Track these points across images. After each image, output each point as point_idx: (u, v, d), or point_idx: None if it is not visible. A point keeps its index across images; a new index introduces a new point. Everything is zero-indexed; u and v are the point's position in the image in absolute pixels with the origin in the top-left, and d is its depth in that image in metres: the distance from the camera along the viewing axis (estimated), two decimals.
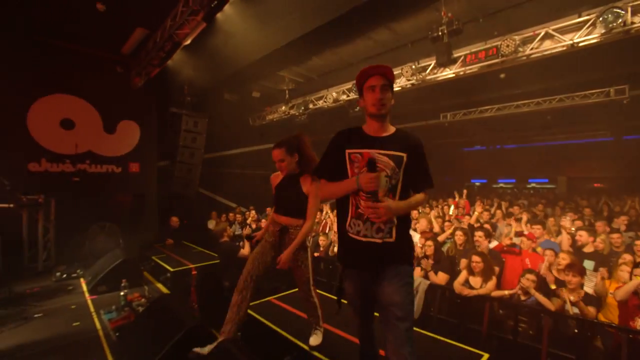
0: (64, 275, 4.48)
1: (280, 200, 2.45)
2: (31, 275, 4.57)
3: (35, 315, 3.24)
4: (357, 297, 1.72)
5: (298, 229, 2.37)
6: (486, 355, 2.37)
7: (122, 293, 3.38)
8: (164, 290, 4.08)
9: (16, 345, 2.67)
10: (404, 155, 1.57)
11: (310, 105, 8.30)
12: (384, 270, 1.62)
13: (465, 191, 6.91)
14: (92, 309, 3.45)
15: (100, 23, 5.44)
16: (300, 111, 8.58)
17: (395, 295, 1.55)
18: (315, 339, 2.48)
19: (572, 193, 12.36)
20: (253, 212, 7.58)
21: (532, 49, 4.34)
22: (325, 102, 7.99)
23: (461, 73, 5.15)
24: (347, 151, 1.61)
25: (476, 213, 5.83)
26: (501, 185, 18.94)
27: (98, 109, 6.72)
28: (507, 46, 4.34)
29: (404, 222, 1.66)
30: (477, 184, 19.51)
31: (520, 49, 4.36)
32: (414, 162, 1.59)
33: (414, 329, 1.68)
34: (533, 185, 17.85)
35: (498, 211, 6.68)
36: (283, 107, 9.07)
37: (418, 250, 4.06)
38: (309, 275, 2.44)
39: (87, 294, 3.89)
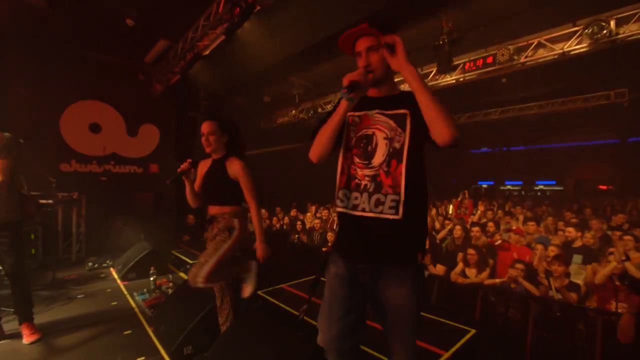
0: (96, 265, 4.95)
1: (207, 189, 2.29)
2: (66, 265, 5.05)
3: (78, 296, 3.69)
4: (338, 294, 1.35)
5: (226, 216, 2.20)
6: (473, 331, 2.70)
7: (151, 279, 3.80)
8: (186, 277, 4.49)
9: (66, 318, 3.12)
10: (407, 112, 1.30)
11: (319, 109, 8.70)
12: (386, 267, 1.31)
13: (466, 192, 7.20)
14: (125, 292, 3.89)
15: (127, 36, 5.94)
16: (310, 115, 8.99)
17: (406, 307, 1.30)
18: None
19: (579, 195, 12.45)
20: (263, 210, 7.99)
21: (526, 57, 4.65)
22: (333, 106, 8.36)
23: (461, 79, 5.47)
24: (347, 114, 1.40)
25: (478, 212, 6.15)
26: (508, 187, 18.98)
27: (122, 113, 7.24)
28: (502, 55, 4.65)
29: (416, 196, 1.29)
30: (484, 185, 19.59)
31: (516, 57, 4.67)
32: (418, 110, 1.24)
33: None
34: (540, 187, 17.89)
35: (499, 211, 6.96)
36: (293, 111, 9.49)
37: None
38: (213, 260, 2.08)
39: (119, 280, 4.33)
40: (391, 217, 1.27)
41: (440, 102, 1.17)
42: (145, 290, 3.73)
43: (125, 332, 2.82)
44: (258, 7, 4.18)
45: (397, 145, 1.30)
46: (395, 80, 1.46)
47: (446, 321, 2.88)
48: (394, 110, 1.33)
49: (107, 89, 6.95)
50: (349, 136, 1.39)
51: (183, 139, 8.40)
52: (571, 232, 4.00)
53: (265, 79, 8.21)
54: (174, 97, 7.79)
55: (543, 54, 4.51)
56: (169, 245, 5.87)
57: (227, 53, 6.40)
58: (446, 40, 5.30)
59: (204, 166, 2.34)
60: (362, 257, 1.34)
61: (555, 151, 15.31)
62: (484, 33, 5.53)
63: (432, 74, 5.87)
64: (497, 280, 3.62)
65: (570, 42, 4.25)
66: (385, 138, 1.31)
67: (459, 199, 7.70)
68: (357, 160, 1.35)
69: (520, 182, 18.41)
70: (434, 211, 6.07)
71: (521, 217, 5.21)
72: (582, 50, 4.16)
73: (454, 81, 5.59)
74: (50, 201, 4.70)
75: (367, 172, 1.32)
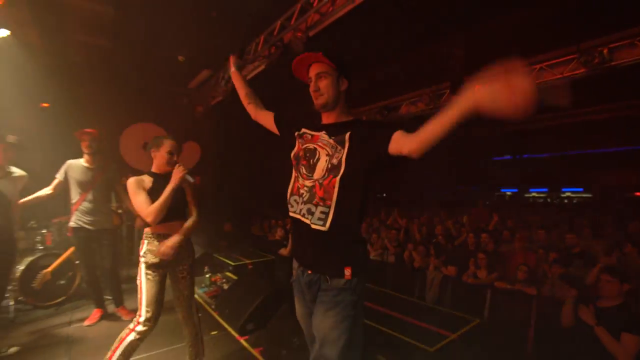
0: None
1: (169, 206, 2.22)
2: (131, 264, 5.96)
3: None
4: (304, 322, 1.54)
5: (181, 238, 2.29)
6: (477, 320, 3.24)
7: (207, 276, 4.58)
8: (234, 277, 5.26)
9: None
10: (348, 132, 1.37)
11: None
12: (318, 283, 1.36)
13: (480, 202, 7.62)
14: None
15: (177, 68, 6.92)
16: None
17: (331, 332, 1.26)
18: None
19: (606, 202, 12.34)
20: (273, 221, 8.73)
21: None
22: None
23: None
24: (303, 129, 1.55)
25: (493, 221, 6.59)
26: (533, 194, 18.66)
27: (169, 133, 8.23)
28: None
29: (348, 212, 1.32)
30: (509, 193, 19.31)
31: None
32: (361, 130, 1.36)
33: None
34: (568, 194, 17.52)
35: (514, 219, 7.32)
36: None
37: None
38: (192, 290, 2.23)
39: None
40: (318, 228, 1.31)
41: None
42: (203, 285, 4.52)
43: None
44: None
45: (335, 161, 1.35)
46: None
47: (456, 313, 3.43)
48: (338, 133, 1.41)
49: (157, 112, 8.00)
50: (299, 147, 1.51)
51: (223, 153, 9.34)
52: (572, 238, 4.42)
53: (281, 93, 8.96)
54: (214, 116, 8.74)
55: (546, 77, 4.99)
56: (211, 249, 6.70)
57: None
58: (458, 63, 5.86)
59: (147, 182, 2.27)
60: (303, 260, 1.46)
61: (580, 158, 15.04)
62: (494, 56, 6.04)
63: (446, 94, 6.43)
64: (508, 286, 4.10)
65: (569, 66, 4.72)
66: (327, 155, 1.38)
67: (480, 209, 8.11)
68: (303, 171, 1.44)
69: (546, 190, 18.07)
70: (449, 221, 6.57)
71: (532, 226, 5.63)
72: (580, 74, 4.62)
73: None
74: (120, 211, 5.64)
75: (308, 182, 1.40)
